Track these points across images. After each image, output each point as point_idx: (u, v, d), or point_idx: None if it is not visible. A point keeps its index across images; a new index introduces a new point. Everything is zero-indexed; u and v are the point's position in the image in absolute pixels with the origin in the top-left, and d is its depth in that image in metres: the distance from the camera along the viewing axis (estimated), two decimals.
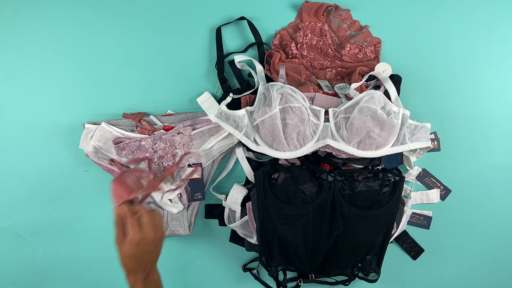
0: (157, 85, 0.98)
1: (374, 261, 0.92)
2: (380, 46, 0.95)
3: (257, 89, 0.88)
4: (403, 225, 0.92)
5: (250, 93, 0.92)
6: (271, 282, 0.99)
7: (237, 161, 0.94)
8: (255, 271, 1.00)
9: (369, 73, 0.90)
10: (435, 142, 0.97)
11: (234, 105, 0.93)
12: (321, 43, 0.96)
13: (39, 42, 0.97)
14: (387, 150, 0.84)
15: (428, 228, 0.99)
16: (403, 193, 0.92)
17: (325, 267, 0.92)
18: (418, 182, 0.98)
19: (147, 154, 0.90)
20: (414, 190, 0.98)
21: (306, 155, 0.85)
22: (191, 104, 0.97)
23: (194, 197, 0.93)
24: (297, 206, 0.84)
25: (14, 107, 0.98)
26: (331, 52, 0.96)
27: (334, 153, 0.85)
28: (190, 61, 0.98)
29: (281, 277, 0.96)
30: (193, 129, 0.91)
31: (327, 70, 0.95)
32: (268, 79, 0.92)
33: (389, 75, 0.90)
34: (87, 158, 0.94)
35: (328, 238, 0.87)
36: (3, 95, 0.97)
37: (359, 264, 0.93)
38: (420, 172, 0.97)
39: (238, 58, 0.94)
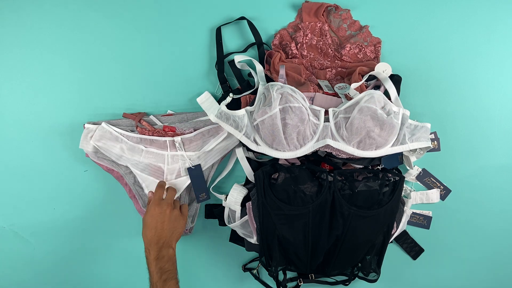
0: (157, 85, 0.98)
1: (374, 261, 0.92)
2: (380, 46, 0.95)
3: (257, 89, 0.88)
4: (403, 225, 0.92)
5: (250, 93, 0.92)
6: (271, 282, 0.99)
7: (237, 161, 0.94)
8: (255, 271, 1.00)
9: (369, 73, 0.90)
10: (435, 142, 0.97)
11: (234, 105, 0.93)
12: (321, 43, 0.96)
13: (39, 42, 0.97)
14: (387, 150, 0.84)
15: (428, 228, 0.99)
16: (403, 193, 0.92)
17: (325, 267, 0.92)
18: (418, 182, 0.98)
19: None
20: (414, 190, 0.98)
21: (306, 155, 0.85)
22: (191, 104, 0.97)
23: (199, 198, 0.93)
24: (297, 206, 0.84)
25: (14, 107, 0.97)
26: (331, 52, 0.96)
27: (334, 153, 0.85)
28: (190, 61, 0.98)
29: (281, 277, 0.96)
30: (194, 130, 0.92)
31: (327, 70, 0.95)
32: (268, 79, 0.92)
33: (389, 75, 0.90)
34: (87, 158, 0.94)
35: (328, 238, 0.87)
36: (3, 95, 0.97)
37: (359, 264, 0.93)
38: (420, 172, 0.97)
39: (238, 58, 0.94)
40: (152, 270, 0.81)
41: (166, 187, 0.90)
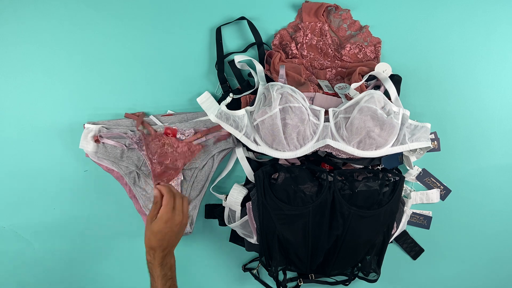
0: (157, 85, 0.98)
1: (374, 261, 0.92)
2: (380, 46, 0.95)
3: (257, 89, 0.88)
4: (403, 225, 0.92)
5: (250, 93, 0.92)
6: (271, 282, 0.99)
7: (237, 161, 0.94)
8: (255, 271, 1.00)
9: (369, 73, 0.90)
10: (435, 142, 0.97)
11: (234, 105, 0.93)
12: (321, 43, 0.96)
13: (39, 42, 0.97)
14: (387, 150, 0.84)
15: (428, 228, 0.99)
16: (403, 193, 0.92)
17: (325, 267, 0.92)
18: (418, 182, 0.98)
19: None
20: (414, 190, 0.98)
21: (306, 155, 0.85)
22: (191, 104, 0.97)
23: None
24: (297, 206, 0.84)
25: (14, 107, 0.97)
26: (331, 52, 0.96)
27: (334, 153, 0.85)
28: (190, 61, 0.98)
29: (281, 277, 0.96)
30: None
31: (327, 70, 0.95)
32: (268, 79, 0.92)
33: (389, 75, 0.90)
34: (87, 158, 0.94)
35: (328, 238, 0.87)
36: (3, 95, 0.97)
37: (359, 264, 0.93)
38: (420, 172, 0.97)
39: (238, 58, 0.94)
40: (157, 275, 0.79)
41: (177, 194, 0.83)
